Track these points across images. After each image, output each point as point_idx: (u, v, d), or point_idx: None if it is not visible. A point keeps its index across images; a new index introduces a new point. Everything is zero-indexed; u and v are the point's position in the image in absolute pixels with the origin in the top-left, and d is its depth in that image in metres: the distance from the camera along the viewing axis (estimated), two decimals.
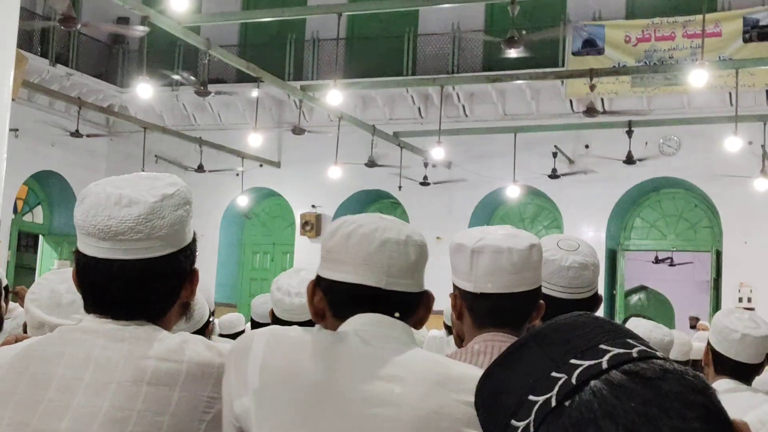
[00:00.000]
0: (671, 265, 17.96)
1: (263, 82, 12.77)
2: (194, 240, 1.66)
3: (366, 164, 15.11)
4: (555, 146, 14.97)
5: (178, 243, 1.59)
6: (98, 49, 17.72)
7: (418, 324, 1.59)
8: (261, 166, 16.79)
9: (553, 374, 0.81)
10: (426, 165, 15.62)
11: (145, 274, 1.55)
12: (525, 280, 1.85)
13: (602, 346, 0.82)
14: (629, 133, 14.02)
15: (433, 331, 7.01)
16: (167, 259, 1.57)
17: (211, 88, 14.01)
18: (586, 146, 15.11)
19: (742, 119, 12.27)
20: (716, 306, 14.21)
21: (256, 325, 4.25)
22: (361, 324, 1.50)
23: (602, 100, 14.69)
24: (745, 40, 13.93)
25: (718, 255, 14.72)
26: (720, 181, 14.08)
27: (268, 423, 1.39)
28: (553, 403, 0.80)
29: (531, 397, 0.82)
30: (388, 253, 1.52)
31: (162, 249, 1.56)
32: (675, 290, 18.62)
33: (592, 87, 11.50)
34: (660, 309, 18.83)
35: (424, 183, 15.73)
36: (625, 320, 4.33)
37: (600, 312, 4.89)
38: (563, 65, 14.60)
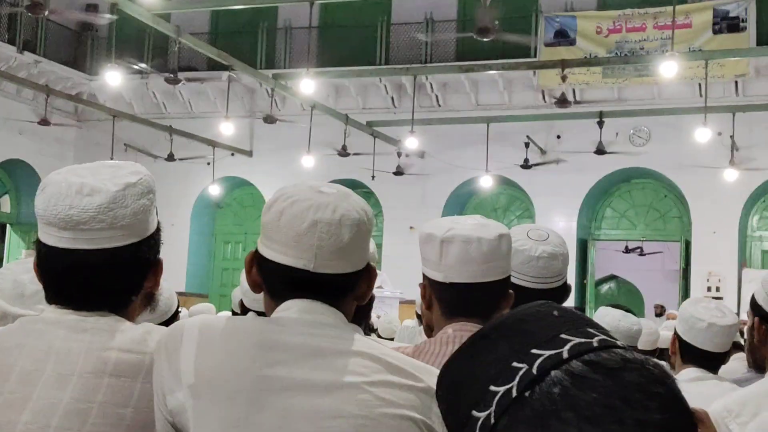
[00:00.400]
0: (641, 254, 18.09)
1: (234, 71, 12.70)
2: (158, 230, 1.63)
3: (339, 153, 15.08)
4: (527, 136, 15.02)
5: (142, 233, 1.57)
6: (67, 37, 17.52)
7: (360, 299, 1.54)
8: (232, 155, 16.72)
9: (515, 364, 0.81)
10: (399, 155, 15.62)
11: (108, 264, 1.52)
12: (494, 270, 1.85)
13: (563, 336, 0.81)
14: (600, 123, 14.10)
15: (406, 321, 7.03)
16: (130, 249, 1.54)
17: (182, 76, 13.90)
18: (558, 136, 15.18)
19: (712, 110, 12.38)
20: (685, 295, 14.34)
21: (235, 315, 4.24)
22: (296, 311, 1.46)
23: (574, 90, 14.76)
24: (715, 32, 14.04)
25: (687, 245, 14.86)
26: (689, 171, 14.21)
27: (206, 419, 1.36)
28: (514, 394, 0.79)
29: (492, 388, 0.81)
30: (318, 234, 1.45)
31: (125, 239, 1.53)
32: (645, 280, 18.78)
33: (564, 78, 11.54)
34: (630, 298, 18.97)
35: (398, 173, 15.74)
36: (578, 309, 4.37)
37: (570, 302, 4.94)
38: (535, 56, 14.64)
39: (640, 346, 4.61)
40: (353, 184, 16.14)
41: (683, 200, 14.84)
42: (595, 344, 0.81)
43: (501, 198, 16.26)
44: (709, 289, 14.05)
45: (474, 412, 0.82)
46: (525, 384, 0.79)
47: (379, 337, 6.45)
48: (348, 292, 1.52)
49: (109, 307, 1.54)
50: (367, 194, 16.53)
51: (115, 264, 1.53)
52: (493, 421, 0.80)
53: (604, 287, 19.85)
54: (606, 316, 3.72)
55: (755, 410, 2.06)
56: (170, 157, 16.20)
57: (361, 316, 2.23)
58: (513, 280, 2.19)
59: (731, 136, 13.53)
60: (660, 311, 14.96)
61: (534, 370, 0.79)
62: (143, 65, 14.92)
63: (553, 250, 2.20)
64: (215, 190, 17.03)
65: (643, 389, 0.77)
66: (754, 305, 2.39)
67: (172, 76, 12.96)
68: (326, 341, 1.43)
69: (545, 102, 15.03)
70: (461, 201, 16.02)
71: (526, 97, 15.29)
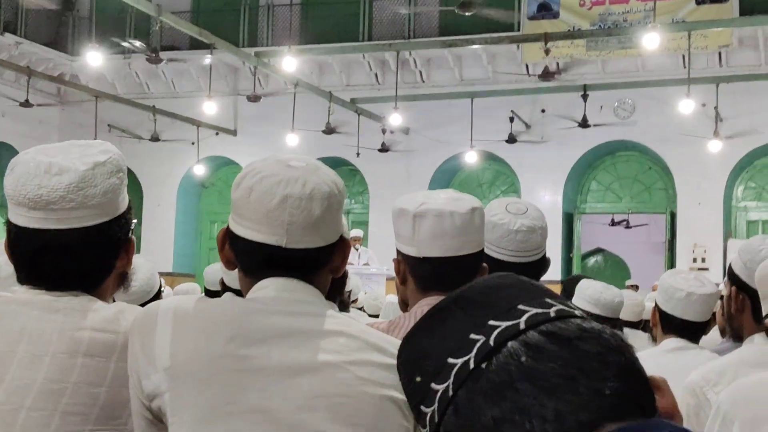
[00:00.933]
0: (627, 227, 18.14)
1: (216, 49, 12.61)
2: (129, 208, 1.63)
3: (323, 131, 15.03)
4: (512, 111, 15.01)
5: (112, 212, 1.56)
6: (47, 17, 17.36)
7: (335, 272, 1.53)
8: (217, 134, 16.63)
9: (472, 336, 0.81)
10: (384, 131, 15.59)
11: (79, 243, 1.51)
12: (467, 244, 1.85)
13: (520, 307, 0.81)
14: (584, 97, 14.10)
15: (389, 297, 7.03)
16: (101, 228, 1.53)
17: (164, 55, 13.80)
18: (542, 111, 15.17)
19: (695, 81, 12.38)
20: (671, 267, 14.40)
21: (209, 293, 4.23)
22: (272, 290, 1.45)
23: (557, 64, 14.74)
24: (698, 2, 14.03)
25: (673, 216, 14.92)
26: (674, 143, 14.24)
27: (183, 402, 1.35)
28: (472, 366, 0.79)
29: (450, 360, 0.81)
30: (289, 210, 1.42)
31: (95, 218, 1.52)
32: (631, 252, 18.83)
33: (547, 51, 11.51)
34: (616, 271, 19.04)
35: (383, 150, 15.71)
36: (574, 280, 4.37)
37: (557, 275, 4.94)
38: (519, 30, 14.60)
39: (624, 318, 4.64)
40: (338, 162, 16.11)
41: (668, 172, 14.88)
42: (552, 314, 0.81)
43: (486, 173, 16.26)
44: (694, 260, 14.11)
45: (433, 385, 0.82)
46: (482, 356, 0.79)
47: (367, 314, 6.47)
48: (322, 266, 1.50)
49: (81, 287, 1.54)
50: (353, 171, 16.51)
51: (86, 243, 1.52)
52: (451, 393, 0.80)
53: (591, 260, 19.91)
54: (588, 289, 3.73)
55: (733, 378, 2.07)
56: (154, 138, 16.12)
57: (334, 292, 2.23)
58: (491, 254, 2.18)
59: (715, 107, 13.55)
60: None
61: (491, 342, 0.79)
62: (133, 42, 14.78)
63: (532, 223, 2.19)
64: (200, 170, 16.96)
65: (600, 358, 0.78)
66: (731, 274, 2.40)
67: (153, 55, 12.86)
68: (304, 320, 1.42)
69: (529, 76, 15.00)
70: (447, 177, 16.01)
71: (510, 71, 15.25)
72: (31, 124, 16.85)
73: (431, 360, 0.83)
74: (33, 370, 1.45)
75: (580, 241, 15.82)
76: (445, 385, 0.81)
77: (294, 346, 1.38)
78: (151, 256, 14.60)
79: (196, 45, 14.97)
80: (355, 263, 12.35)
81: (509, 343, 0.79)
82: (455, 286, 1.89)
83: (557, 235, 14.86)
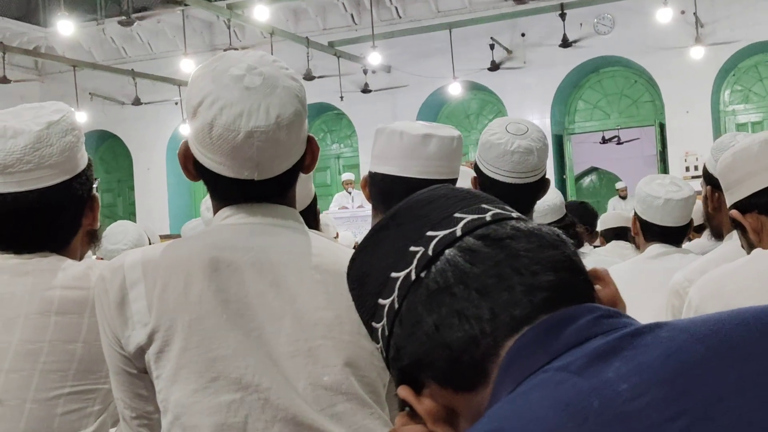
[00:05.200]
0: (619, 143, 18.12)
1: (188, 6, 12.46)
2: (89, 166, 1.64)
3: (304, 77, 14.91)
4: (491, 38, 14.87)
5: (71, 170, 1.57)
6: None
7: (306, 170, 1.49)
8: None
9: (411, 248, 0.83)
10: (366, 72, 15.47)
11: (41, 204, 1.53)
12: (415, 168, 1.92)
13: (456, 215, 0.83)
14: (562, 16, 13.95)
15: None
16: (61, 187, 1.55)
17: (136, 17, 13.62)
18: (522, 35, 15.03)
19: None
20: None
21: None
22: (245, 217, 1.42)
23: None
24: None
25: (662, 127, 14.88)
26: (657, 53, 14.14)
27: (168, 353, 1.33)
28: (413, 277, 0.82)
29: (393, 274, 0.83)
30: (256, 144, 1.36)
31: (54, 177, 1.54)
32: (625, 168, 18.82)
33: None
34: (612, 188, 19.07)
35: (366, 90, 15.60)
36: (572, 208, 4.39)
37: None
38: None
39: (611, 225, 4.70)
40: (323, 108, 16.05)
41: (654, 84, 14.81)
42: (488, 219, 0.83)
43: (472, 103, 16.18)
44: (687, 168, 14.11)
45: (380, 300, 0.84)
46: (422, 266, 0.81)
47: None
48: (295, 179, 1.48)
49: (49, 248, 1.56)
50: (338, 116, 16.44)
51: (48, 204, 1.54)
52: (397, 305, 0.83)
53: (586, 180, 19.93)
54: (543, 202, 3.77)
55: None
56: (137, 101, 15.99)
57: (309, 219, 2.25)
58: (488, 173, 2.20)
59: (695, 13, 13.42)
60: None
61: (429, 252, 0.82)
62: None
63: (529, 144, 2.18)
64: (186, 130, 16.79)
65: (533, 255, 0.80)
66: (706, 174, 2.41)
67: (125, 18, 12.71)
68: (280, 253, 1.40)
69: (506, 1, 14.84)
70: (433, 111, 15.94)
71: None
72: (12, 99, 16.59)
73: (375, 276, 0.85)
74: (8, 333, 1.48)
75: (572, 162, 15.81)
76: (391, 299, 0.83)
77: (273, 284, 1.37)
78: (147, 221, 14.62)
79: (167, 2, 14.77)
80: (350, 206, 12.38)
81: (447, 251, 0.81)
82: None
83: (549, 158, 14.83)
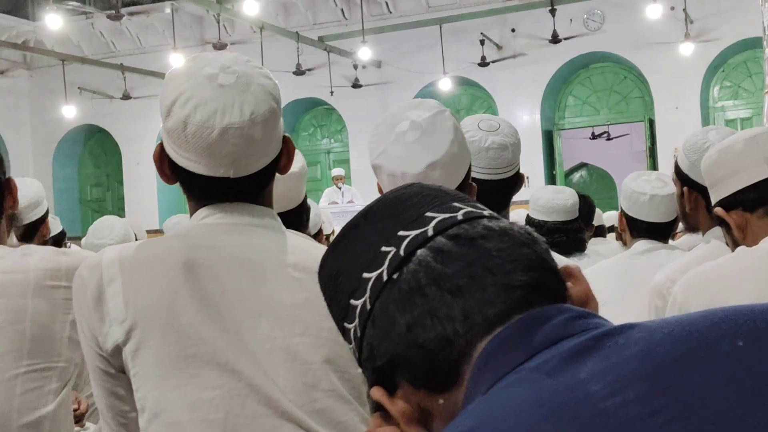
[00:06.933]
0: (608, 139, 18.12)
1: (178, 0, 12.42)
2: None
3: (294, 72, 14.89)
4: (482, 33, 14.88)
5: None
6: None
7: (282, 171, 1.48)
8: None
9: (383, 249, 0.82)
10: (356, 67, 15.45)
11: None
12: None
13: (428, 214, 0.82)
14: (552, 11, 13.94)
15: None
16: None
17: (125, 11, 13.58)
18: (512, 30, 15.04)
19: None
20: None
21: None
22: (222, 217, 1.42)
23: None
24: None
25: (651, 123, 14.92)
26: (646, 49, 14.17)
27: (145, 352, 1.33)
28: (385, 278, 0.81)
29: (365, 275, 0.83)
30: (231, 141, 1.35)
31: None
32: (614, 164, 18.84)
33: None
34: (601, 184, 19.11)
35: (356, 85, 15.59)
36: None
37: None
38: None
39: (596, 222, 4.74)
40: (313, 103, 16.03)
41: (643, 79, 14.84)
42: (460, 218, 0.82)
43: (462, 99, 16.19)
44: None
45: (352, 301, 0.84)
46: (394, 266, 0.81)
47: None
48: (271, 178, 1.47)
49: None
50: (328, 111, 16.42)
51: None
52: (369, 306, 0.82)
53: (576, 176, 19.94)
54: (540, 199, 3.75)
55: None
56: (126, 96, 15.95)
57: (298, 221, 2.23)
58: None
59: (684, 9, 13.45)
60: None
61: (401, 252, 0.81)
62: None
63: (503, 140, 2.19)
64: (160, 132, 16.79)
65: (505, 254, 0.79)
66: (680, 174, 2.39)
67: (114, 12, 12.66)
68: (257, 251, 1.40)
69: None
70: None
71: None
72: (2, 94, 16.64)
73: (347, 277, 0.84)
74: None
75: (561, 157, 15.83)
76: (363, 300, 0.82)
77: (250, 281, 1.37)
78: (136, 216, 14.58)
79: None
80: (339, 202, 12.38)
81: (418, 251, 0.80)
82: None
83: (539, 154, 14.87)
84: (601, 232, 5.27)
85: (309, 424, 1.33)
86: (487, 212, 0.84)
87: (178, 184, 1.47)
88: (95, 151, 18.08)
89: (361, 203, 12.48)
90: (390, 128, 1.70)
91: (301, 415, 1.33)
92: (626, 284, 2.77)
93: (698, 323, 0.71)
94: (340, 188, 13.23)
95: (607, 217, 5.34)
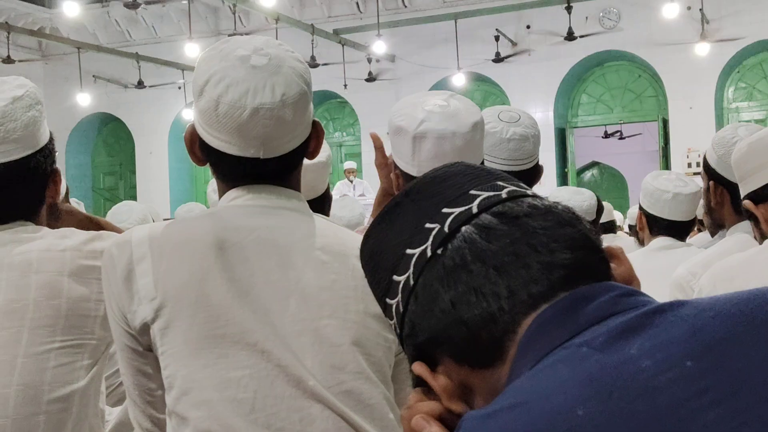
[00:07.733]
0: (621, 138, 18.09)
1: None
2: (51, 140, 1.67)
3: (308, 65, 14.85)
4: (497, 29, 14.84)
5: (35, 144, 1.60)
6: None
7: (310, 156, 1.50)
8: None
9: (427, 225, 0.83)
10: (370, 60, 15.44)
11: (6, 178, 1.57)
12: (468, 161, 1.83)
13: (472, 192, 0.83)
14: (568, 8, 13.90)
15: None
16: (26, 161, 1.59)
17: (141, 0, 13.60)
18: (528, 26, 15.00)
19: None
20: None
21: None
22: (251, 199, 1.43)
23: None
24: None
25: (665, 123, 14.87)
26: (662, 49, 14.12)
27: (173, 331, 1.34)
28: (429, 254, 0.82)
29: (408, 251, 0.83)
30: (262, 122, 1.37)
31: (19, 152, 1.57)
32: (626, 163, 18.82)
33: None
34: (613, 183, 19.08)
35: (370, 79, 15.58)
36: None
37: None
38: None
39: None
40: (326, 95, 16.02)
41: (657, 79, 14.79)
42: (504, 196, 0.83)
43: (476, 94, 16.15)
44: (689, 165, 14.10)
45: (394, 277, 0.84)
46: (438, 242, 0.81)
47: None
48: (300, 161, 1.49)
49: (15, 220, 1.61)
50: (341, 104, 16.42)
51: (13, 177, 1.58)
52: (412, 282, 0.83)
53: (587, 174, 19.91)
54: (558, 199, 3.77)
55: None
56: (140, 84, 15.97)
57: (321, 209, 2.23)
58: (486, 163, 2.19)
59: (701, 9, 13.40)
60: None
61: (445, 228, 0.82)
62: None
63: (524, 131, 2.19)
64: (189, 114, 16.83)
65: (549, 233, 0.80)
66: (707, 168, 2.40)
67: (130, 1, 12.69)
68: (286, 234, 1.41)
69: None
70: None
71: None
72: None
73: (390, 253, 0.85)
74: None
75: (574, 155, 15.79)
76: (406, 275, 0.83)
77: (279, 264, 1.38)
78: (149, 204, 14.60)
79: None
80: (351, 195, 12.37)
81: (463, 228, 0.81)
82: None
83: (551, 151, 14.83)
84: (611, 227, 5.32)
85: (337, 405, 1.34)
86: (530, 191, 0.84)
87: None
88: (109, 140, 18.12)
89: (372, 197, 12.48)
90: (415, 107, 1.77)
91: (329, 396, 1.34)
92: (643, 280, 2.77)
93: (747, 303, 0.71)
94: (351, 181, 13.24)
95: (630, 214, 5.41)
